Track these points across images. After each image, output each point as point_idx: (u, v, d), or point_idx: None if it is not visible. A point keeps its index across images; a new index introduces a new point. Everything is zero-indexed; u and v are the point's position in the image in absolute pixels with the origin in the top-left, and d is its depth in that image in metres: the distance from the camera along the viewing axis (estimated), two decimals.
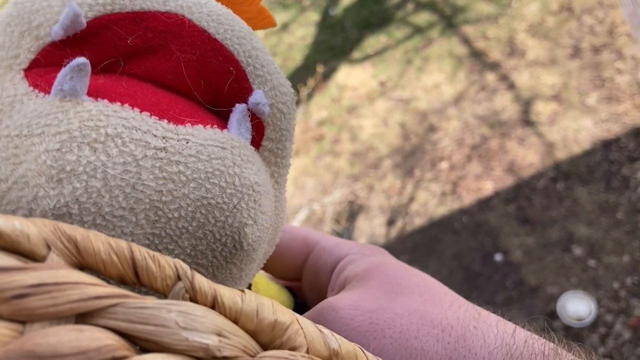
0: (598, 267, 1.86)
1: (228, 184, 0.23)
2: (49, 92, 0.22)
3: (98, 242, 0.14)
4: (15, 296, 0.13)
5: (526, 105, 2.33)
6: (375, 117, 2.50)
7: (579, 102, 2.27)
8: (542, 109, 2.29)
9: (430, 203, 2.16)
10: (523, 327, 0.27)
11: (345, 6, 3.03)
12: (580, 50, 2.45)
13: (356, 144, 2.43)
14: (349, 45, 2.82)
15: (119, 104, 0.22)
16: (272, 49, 2.91)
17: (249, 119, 0.26)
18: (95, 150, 0.21)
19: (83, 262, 0.14)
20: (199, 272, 0.23)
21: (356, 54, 2.78)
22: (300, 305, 0.37)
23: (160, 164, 0.22)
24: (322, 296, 0.33)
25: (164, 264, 0.14)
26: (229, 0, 0.28)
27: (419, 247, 2.06)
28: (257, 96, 0.26)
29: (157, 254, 0.14)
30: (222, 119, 0.26)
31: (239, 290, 0.15)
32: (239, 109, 0.26)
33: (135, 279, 0.14)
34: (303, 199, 2.29)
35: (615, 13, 2.53)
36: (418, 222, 2.12)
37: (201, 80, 0.26)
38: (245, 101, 0.26)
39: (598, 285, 1.82)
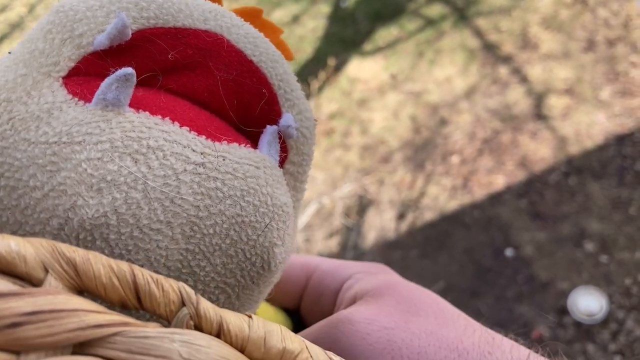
0: (610, 262, 1.84)
1: (261, 202, 0.23)
2: (89, 101, 0.22)
3: (98, 264, 0.13)
4: (9, 325, 0.12)
5: (539, 99, 2.30)
6: (386, 110, 2.48)
7: (592, 96, 2.24)
8: (555, 103, 2.27)
9: (441, 197, 2.15)
10: (537, 352, 0.26)
11: None
12: (595, 43, 2.42)
13: (367, 137, 2.42)
14: (360, 38, 2.80)
15: (159, 117, 0.22)
16: None
17: (278, 141, 0.26)
18: (136, 162, 0.21)
19: (82, 286, 0.13)
20: (226, 291, 0.24)
21: (367, 47, 2.76)
22: (299, 326, 0.36)
23: (199, 179, 0.22)
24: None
25: (168, 288, 0.13)
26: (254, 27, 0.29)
27: (430, 241, 2.05)
28: (288, 119, 0.26)
29: (160, 277, 0.14)
30: (251, 140, 0.26)
31: (246, 315, 0.15)
32: (269, 131, 0.26)
33: (137, 304, 0.13)
34: (312, 192, 2.28)
35: (631, 5, 2.49)
36: (428, 216, 2.11)
37: (235, 100, 0.26)
38: (275, 123, 0.26)
39: (610, 281, 1.81)
